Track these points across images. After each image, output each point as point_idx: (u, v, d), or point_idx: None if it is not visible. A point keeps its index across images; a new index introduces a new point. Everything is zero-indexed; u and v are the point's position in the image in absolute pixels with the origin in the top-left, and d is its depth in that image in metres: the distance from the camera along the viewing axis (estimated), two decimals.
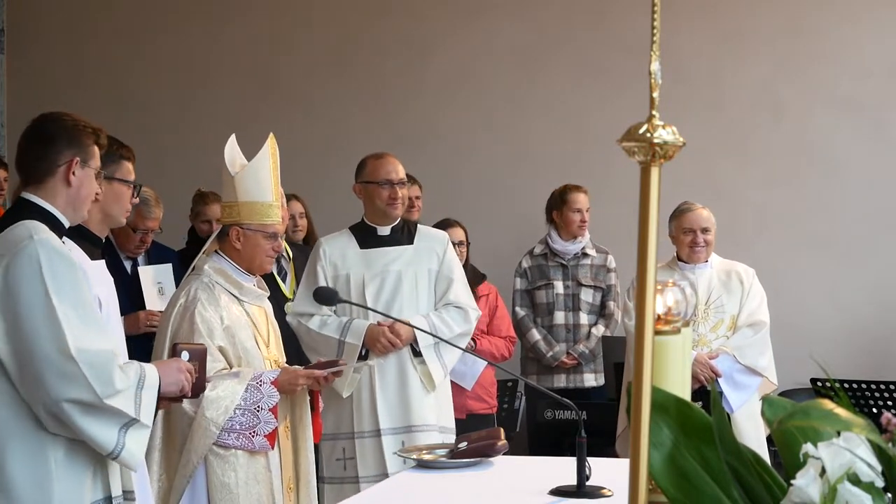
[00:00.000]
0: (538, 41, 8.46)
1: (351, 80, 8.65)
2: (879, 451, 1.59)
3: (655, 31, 1.63)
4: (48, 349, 3.35)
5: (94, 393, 3.35)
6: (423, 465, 4.16)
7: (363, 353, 5.51)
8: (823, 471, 1.56)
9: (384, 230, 5.76)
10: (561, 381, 7.28)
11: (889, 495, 1.58)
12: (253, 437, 4.40)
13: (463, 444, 4.24)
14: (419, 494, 3.77)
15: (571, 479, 3.66)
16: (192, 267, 4.63)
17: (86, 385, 3.34)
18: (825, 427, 1.60)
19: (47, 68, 8.96)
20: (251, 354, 4.50)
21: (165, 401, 3.64)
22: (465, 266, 6.33)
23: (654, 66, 1.64)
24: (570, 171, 7.93)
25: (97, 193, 3.69)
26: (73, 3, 9.04)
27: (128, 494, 3.65)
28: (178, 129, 8.63)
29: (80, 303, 3.43)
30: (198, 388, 3.76)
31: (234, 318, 4.50)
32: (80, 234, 4.22)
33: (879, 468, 1.57)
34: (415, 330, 5.40)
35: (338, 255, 5.67)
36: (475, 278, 6.84)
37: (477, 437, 4.33)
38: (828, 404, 1.60)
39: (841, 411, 1.58)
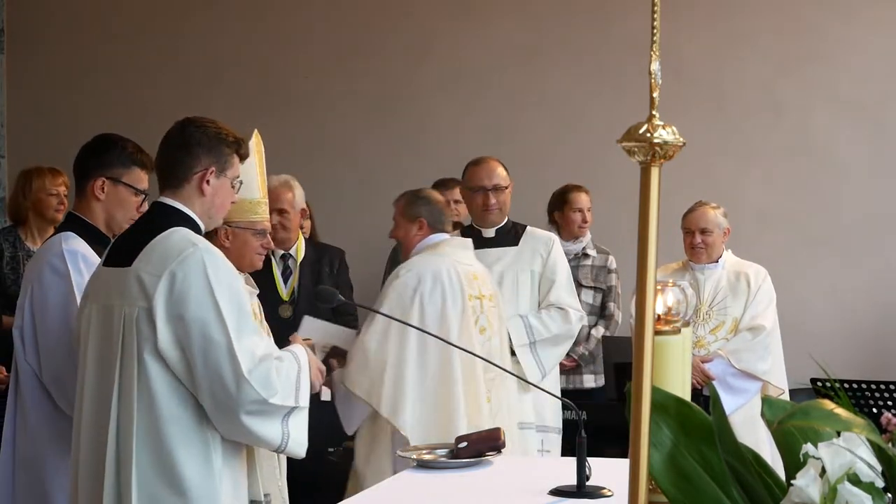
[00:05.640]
0: (538, 41, 8.45)
1: (350, 80, 8.65)
2: (879, 451, 1.59)
3: (655, 31, 1.63)
4: (222, 362, 3.36)
5: (261, 398, 3.39)
6: (422, 464, 4.15)
7: None
8: (823, 471, 1.56)
9: (489, 232, 5.86)
10: (560, 382, 7.24)
11: (889, 495, 1.58)
12: None
13: (463, 444, 4.23)
14: (419, 494, 3.77)
15: (571, 479, 3.65)
16: None
17: (254, 394, 3.38)
18: (825, 427, 1.60)
19: (47, 68, 8.95)
20: None
21: None
22: None
23: (654, 66, 1.64)
24: (570, 171, 7.92)
25: (232, 202, 3.75)
26: (73, 3, 9.03)
27: (266, 497, 3.68)
28: None
29: (243, 311, 3.45)
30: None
31: None
32: (89, 233, 4.22)
33: (879, 468, 1.57)
34: (510, 330, 5.42)
35: None
36: None
37: (477, 437, 4.32)
38: (828, 404, 1.60)
39: (841, 411, 1.58)
